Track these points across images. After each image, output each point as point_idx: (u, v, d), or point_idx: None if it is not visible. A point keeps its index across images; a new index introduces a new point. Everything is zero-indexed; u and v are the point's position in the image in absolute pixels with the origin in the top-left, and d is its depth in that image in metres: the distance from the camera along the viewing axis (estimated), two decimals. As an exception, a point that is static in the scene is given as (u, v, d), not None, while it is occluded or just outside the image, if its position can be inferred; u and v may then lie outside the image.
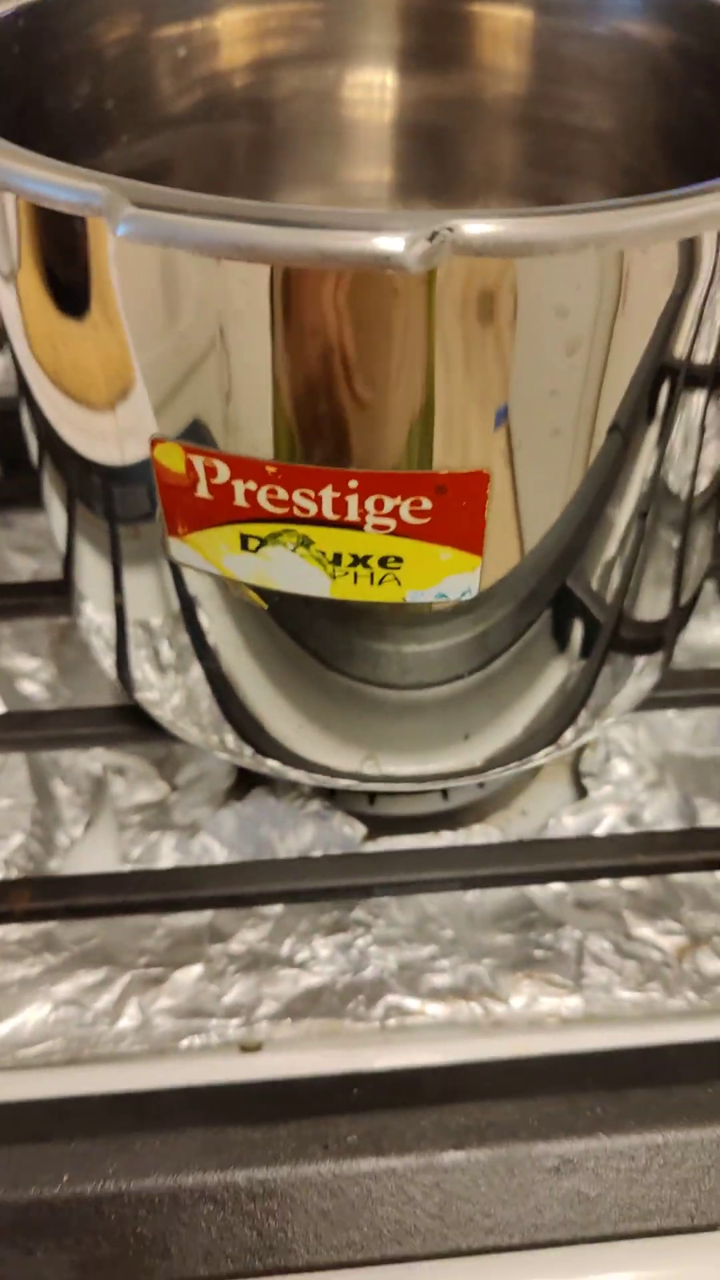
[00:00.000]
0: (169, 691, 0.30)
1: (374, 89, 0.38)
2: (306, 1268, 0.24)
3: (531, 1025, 0.31)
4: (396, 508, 0.23)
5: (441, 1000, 0.32)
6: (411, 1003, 0.32)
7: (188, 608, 0.27)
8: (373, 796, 0.38)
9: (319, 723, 0.28)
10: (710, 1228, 0.24)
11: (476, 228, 0.18)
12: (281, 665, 0.27)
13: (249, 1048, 0.31)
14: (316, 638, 0.27)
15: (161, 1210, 0.24)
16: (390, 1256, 0.24)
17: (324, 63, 0.37)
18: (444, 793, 0.38)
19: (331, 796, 0.38)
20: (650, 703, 0.35)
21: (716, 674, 0.38)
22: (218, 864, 0.36)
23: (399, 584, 0.24)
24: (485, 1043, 0.30)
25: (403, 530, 0.23)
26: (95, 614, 0.31)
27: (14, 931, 0.34)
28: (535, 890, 0.35)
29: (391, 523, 0.23)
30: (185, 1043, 0.31)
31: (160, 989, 0.33)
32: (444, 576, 0.24)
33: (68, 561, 0.30)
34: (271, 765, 0.30)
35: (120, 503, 0.26)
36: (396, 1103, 0.25)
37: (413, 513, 0.23)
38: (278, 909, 0.35)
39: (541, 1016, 0.31)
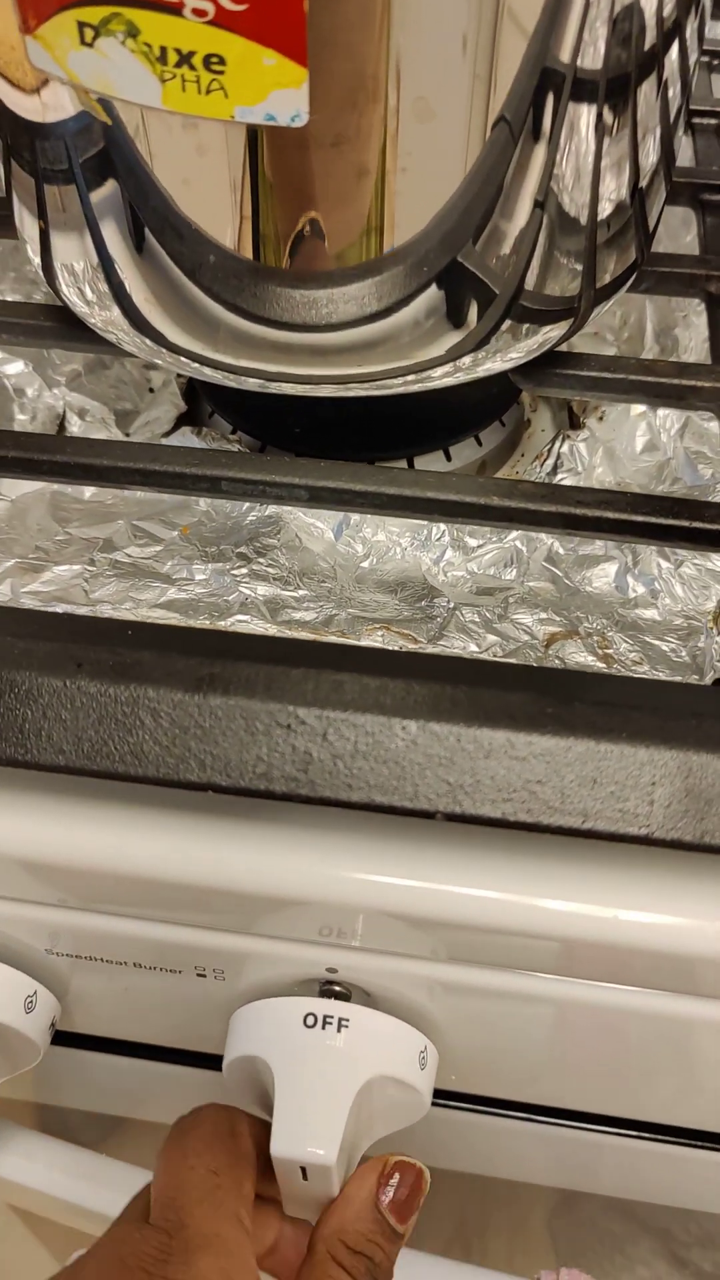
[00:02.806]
0: (73, 275, 0.30)
1: None
2: (33, 764, 0.25)
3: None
4: (212, -15, 0.22)
5: (289, 628, 0.32)
6: (260, 624, 0.32)
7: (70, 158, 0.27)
8: (299, 451, 0.37)
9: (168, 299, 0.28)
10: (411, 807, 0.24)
11: None
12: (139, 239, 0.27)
13: (99, 633, 0.32)
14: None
15: None
16: (113, 771, 0.24)
17: None
18: (371, 461, 0.37)
19: (261, 451, 0.38)
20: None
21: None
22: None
23: (226, 95, 0.23)
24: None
25: (222, 18, 0.22)
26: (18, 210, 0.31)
27: None
28: (433, 569, 0.34)
29: (210, 7, 0.22)
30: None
31: (38, 576, 0.34)
32: (270, 90, 0.23)
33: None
34: (148, 346, 0.30)
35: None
36: (166, 646, 0.26)
37: (229, -6, 0.22)
38: (173, 534, 0.35)
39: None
